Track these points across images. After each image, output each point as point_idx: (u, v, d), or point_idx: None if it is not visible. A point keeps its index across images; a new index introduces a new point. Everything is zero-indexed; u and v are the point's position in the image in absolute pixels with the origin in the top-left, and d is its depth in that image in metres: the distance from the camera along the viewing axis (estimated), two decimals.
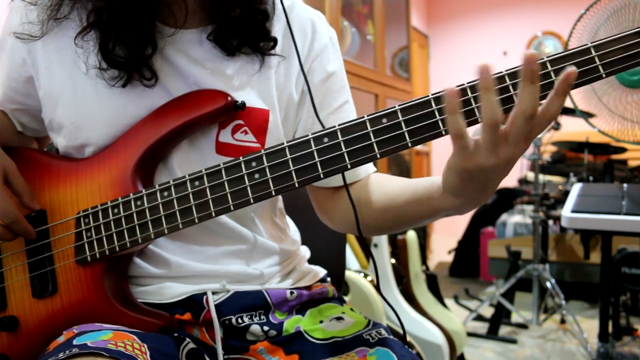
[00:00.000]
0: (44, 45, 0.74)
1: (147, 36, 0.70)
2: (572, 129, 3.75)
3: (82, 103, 0.72)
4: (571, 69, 0.53)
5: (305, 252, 0.93)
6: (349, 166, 0.62)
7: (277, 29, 0.78)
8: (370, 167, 0.83)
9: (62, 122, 0.74)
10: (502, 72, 0.57)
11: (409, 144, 0.60)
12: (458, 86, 0.57)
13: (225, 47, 0.74)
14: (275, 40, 0.76)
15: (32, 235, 0.72)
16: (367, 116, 0.61)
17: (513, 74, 0.57)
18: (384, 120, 0.60)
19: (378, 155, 0.61)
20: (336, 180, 0.78)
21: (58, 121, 0.74)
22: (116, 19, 0.68)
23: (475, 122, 0.57)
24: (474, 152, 0.56)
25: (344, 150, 0.61)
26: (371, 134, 0.61)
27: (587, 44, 0.56)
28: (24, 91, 0.78)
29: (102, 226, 0.70)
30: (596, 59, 0.56)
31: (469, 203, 0.62)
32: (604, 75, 0.56)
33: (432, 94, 0.59)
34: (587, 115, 1.71)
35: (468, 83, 0.58)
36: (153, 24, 0.71)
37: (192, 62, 0.73)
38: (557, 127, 2.99)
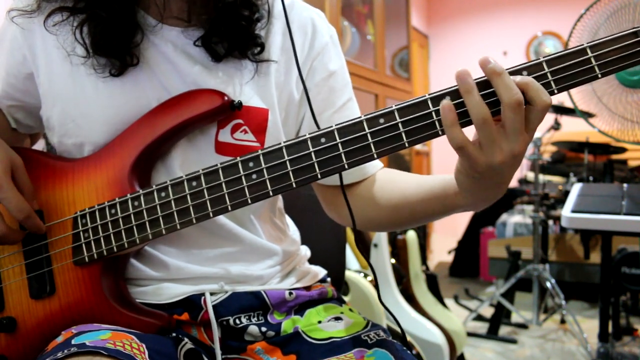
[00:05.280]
0: (43, 42, 0.74)
1: (126, 20, 0.70)
2: (572, 129, 3.75)
3: (81, 100, 0.72)
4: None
5: (305, 251, 0.93)
6: (346, 166, 0.62)
7: (277, 27, 0.78)
8: (377, 163, 0.83)
9: (62, 119, 0.74)
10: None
11: (406, 144, 0.60)
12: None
13: (212, 53, 0.73)
14: (262, 46, 0.75)
15: (42, 231, 0.71)
16: (365, 116, 0.61)
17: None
18: (381, 120, 0.60)
19: (375, 156, 0.61)
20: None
21: (57, 119, 0.74)
22: (95, 3, 0.69)
23: (469, 122, 0.58)
24: (478, 154, 0.58)
25: (341, 150, 0.62)
26: (368, 135, 0.61)
27: (583, 44, 0.56)
28: (23, 88, 0.78)
29: (99, 227, 0.70)
30: (592, 59, 0.56)
31: (484, 200, 0.64)
32: (599, 76, 0.56)
33: (429, 94, 0.59)
34: (587, 115, 1.71)
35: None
36: (133, 9, 0.71)
37: (191, 60, 0.73)
38: (557, 127, 2.99)
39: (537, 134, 2.89)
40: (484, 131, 0.57)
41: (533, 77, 0.57)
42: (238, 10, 0.73)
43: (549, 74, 0.57)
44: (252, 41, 0.74)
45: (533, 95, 0.56)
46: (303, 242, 0.94)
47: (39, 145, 0.95)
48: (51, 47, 0.73)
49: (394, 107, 0.60)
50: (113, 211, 0.69)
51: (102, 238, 0.70)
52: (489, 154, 0.57)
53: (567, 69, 0.57)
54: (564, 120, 3.04)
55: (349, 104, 0.83)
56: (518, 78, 0.56)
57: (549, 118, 3.05)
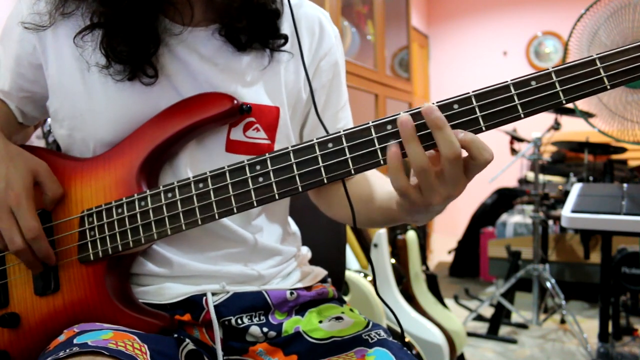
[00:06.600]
0: (54, 35, 0.74)
1: (149, 33, 0.70)
2: (572, 129, 3.75)
3: (91, 97, 0.72)
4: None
5: (306, 252, 0.93)
6: (352, 172, 0.62)
7: (285, 27, 0.79)
8: None
9: (69, 113, 0.74)
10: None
11: None
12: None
13: (236, 42, 0.74)
14: (285, 38, 0.77)
15: (52, 259, 0.71)
16: (372, 122, 0.61)
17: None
18: (389, 127, 0.60)
19: (382, 162, 0.61)
20: None
21: (64, 112, 0.74)
22: (118, 18, 0.69)
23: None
24: (418, 198, 0.60)
25: (348, 156, 0.62)
26: (375, 141, 0.61)
27: (592, 56, 0.56)
28: (33, 78, 0.77)
29: (105, 225, 0.70)
30: (601, 70, 0.56)
31: (422, 221, 0.67)
32: (608, 87, 0.56)
33: (437, 102, 0.59)
34: (587, 115, 1.71)
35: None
36: (155, 21, 0.71)
37: (203, 60, 0.74)
38: (557, 127, 2.99)
39: (537, 134, 2.89)
40: (422, 178, 0.58)
41: (541, 85, 0.57)
42: (267, 5, 0.75)
43: (557, 84, 0.56)
44: (275, 33, 0.76)
45: (475, 153, 0.57)
46: (303, 243, 0.95)
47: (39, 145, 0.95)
48: (62, 42, 0.73)
49: (402, 114, 0.61)
50: (120, 210, 0.70)
51: (107, 237, 0.70)
52: (427, 196, 0.59)
53: (576, 79, 0.56)
54: (564, 120, 3.04)
55: (347, 104, 0.87)
56: (461, 135, 0.56)
57: (549, 118, 3.06)
